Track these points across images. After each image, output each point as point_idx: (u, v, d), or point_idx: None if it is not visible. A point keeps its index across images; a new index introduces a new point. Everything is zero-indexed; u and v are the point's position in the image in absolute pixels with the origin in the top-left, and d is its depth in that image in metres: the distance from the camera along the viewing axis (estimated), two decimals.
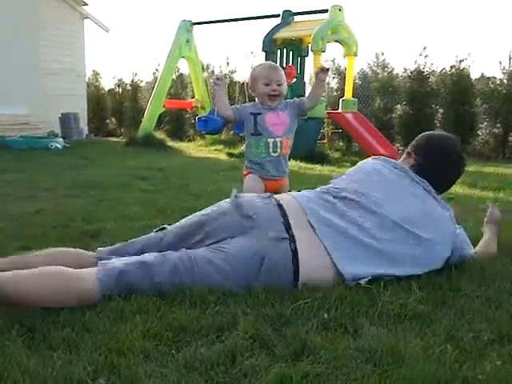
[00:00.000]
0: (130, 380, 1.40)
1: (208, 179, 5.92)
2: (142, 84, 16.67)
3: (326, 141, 10.81)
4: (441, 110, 11.96)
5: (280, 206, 2.26)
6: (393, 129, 12.01)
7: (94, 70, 17.57)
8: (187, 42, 12.04)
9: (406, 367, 1.47)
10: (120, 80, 17.08)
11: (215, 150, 10.73)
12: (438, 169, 2.47)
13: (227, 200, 2.36)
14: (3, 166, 6.75)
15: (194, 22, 12.12)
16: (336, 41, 9.68)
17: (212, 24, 12.45)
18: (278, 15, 10.38)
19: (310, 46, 9.65)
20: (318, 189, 2.46)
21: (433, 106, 11.93)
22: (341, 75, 12.63)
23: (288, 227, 2.15)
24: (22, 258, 2.18)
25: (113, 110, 17.09)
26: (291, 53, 10.51)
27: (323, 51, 9.46)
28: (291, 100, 3.39)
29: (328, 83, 13.29)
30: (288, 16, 10.29)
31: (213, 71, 14.94)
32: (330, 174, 6.95)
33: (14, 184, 5.29)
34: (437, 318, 1.86)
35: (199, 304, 1.92)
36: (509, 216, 3.56)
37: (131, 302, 1.91)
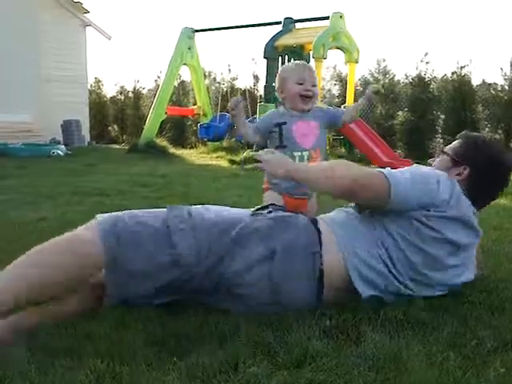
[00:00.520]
0: None
1: (210, 186, 5.92)
2: (144, 91, 16.72)
3: (327, 147, 10.80)
4: (442, 117, 11.96)
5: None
6: (394, 135, 12.01)
7: (96, 78, 17.64)
8: (189, 49, 12.09)
9: (408, 374, 1.46)
10: (122, 87, 17.14)
11: (217, 156, 10.74)
12: (490, 183, 2.20)
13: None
14: (5, 173, 6.76)
15: (195, 29, 12.17)
16: (337, 47, 9.71)
17: (214, 31, 12.50)
18: (280, 22, 10.41)
19: (311, 52, 9.68)
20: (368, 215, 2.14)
21: (434, 112, 11.94)
22: (342, 82, 12.65)
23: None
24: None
25: (115, 117, 17.12)
26: (292, 60, 10.53)
27: (324, 58, 9.49)
28: (325, 107, 2.98)
29: (329, 90, 13.33)
30: (289, 23, 10.33)
31: (214, 78, 14.99)
32: None
33: (16, 191, 5.29)
34: (439, 325, 1.85)
35: (201, 311, 1.92)
36: None
37: (133, 309, 1.91)
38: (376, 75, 12.95)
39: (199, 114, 12.85)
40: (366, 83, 12.87)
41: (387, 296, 2.03)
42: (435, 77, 12.11)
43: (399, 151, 11.49)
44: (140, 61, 36.71)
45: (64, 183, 5.98)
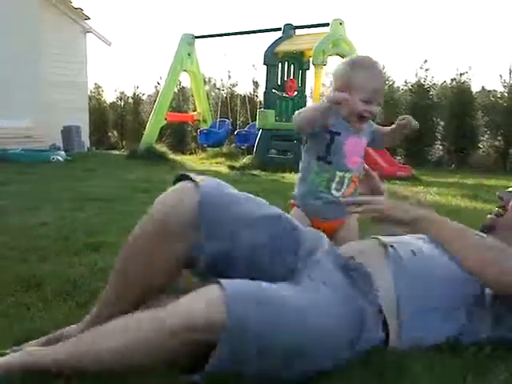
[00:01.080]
0: None
1: None
2: (144, 97, 16.76)
3: None
4: (442, 123, 12.00)
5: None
6: None
7: (96, 83, 17.69)
8: (189, 55, 12.13)
9: (410, 381, 1.46)
10: (122, 93, 17.18)
11: (217, 162, 10.75)
12: None
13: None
14: (5, 179, 6.75)
15: (195, 35, 12.21)
16: (337, 54, 9.72)
17: (214, 37, 12.54)
18: (280, 29, 10.44)
19: (311, 59, 9.71)
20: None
21: (434, 118, 11.97)
22: None
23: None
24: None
25: (114, 123, 17.15)
26: (292, 66, 10.58)
27: (324, 64, 9.52)
28: (372, 124, 2.46)
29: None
30: (289, 29, 10.36)
31: (214, 84, 15.02)
32: None
33: (16, 197, 5.29)
34: None
35: None
36: None
37: None
38: None
39: (199, 120, 12.89)
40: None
41: None
42: (435, 83, 12.16)
43: (399, 157, 11.51)
44: (140, 67, 36.83)
45: (64, 189, 5.98)
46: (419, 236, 1.77)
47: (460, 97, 11.52)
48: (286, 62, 10.50)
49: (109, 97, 17.92)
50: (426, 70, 12.06)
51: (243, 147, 11.56)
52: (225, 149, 12.08)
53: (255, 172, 8.48)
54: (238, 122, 12.55)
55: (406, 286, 1.61)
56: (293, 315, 1.34)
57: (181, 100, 15.11)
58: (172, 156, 11.18)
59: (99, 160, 10.63)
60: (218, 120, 12.23)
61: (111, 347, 1.32)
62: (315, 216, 2.27)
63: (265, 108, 10.26)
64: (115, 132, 17.30)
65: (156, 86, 15.86)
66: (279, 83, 10.42)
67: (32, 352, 1.41)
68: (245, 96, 13.48)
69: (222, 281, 1.33)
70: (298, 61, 10.52)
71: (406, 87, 12.50)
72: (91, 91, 17.00)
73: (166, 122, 12.26)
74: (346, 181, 2.25)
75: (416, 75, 12.13)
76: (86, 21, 14.12)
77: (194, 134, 13.63)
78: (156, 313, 1.35)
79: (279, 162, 9.46)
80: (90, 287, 2.34)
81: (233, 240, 1.54)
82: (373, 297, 1.58)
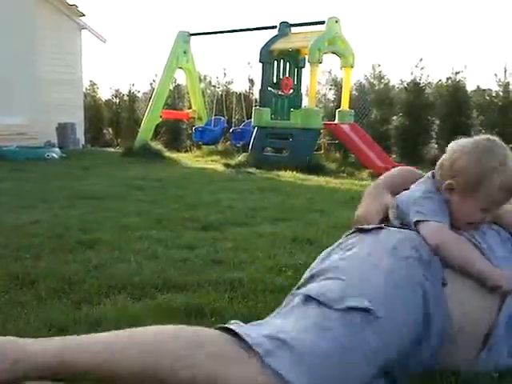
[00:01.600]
0: None
1: (205, 190, 5.91)
2: (139, 95, 16.70)
3: (322, 152, 10.82)
4: (437, 122, 12.01)
5: None
6: (389, 140, 12.04)
7: (91, 81, 17.60)
8: (184, 52, 12.11)
9: None
10: (117, 90, 17.10)
11: (212, 160, 10.74)
12: None
13: None
14: (0, 176, 6.73)
15: (191, 32, 12.18)
16: (333, 52, 9.73)
17: (209, 35, 12.52)
18: (275, 27, 10.42)
19: (306, 57, 9.71)
20: None
21: (429, 117, 11.97)
22: (337, 86, 12.67)
23: None
24: None
25: (110, 120, 17.09)
26: (288, 64, 10.57)
27: (320, 62, 9.53)
28: None
29: (324, 94, 13.35)
30: (285, 27, 10.34)
31: (210, 82, 14.99)
32: (325, 185, 6.97)
33: (10, 194, 5.28)
34: None
35: (194, 315, 1.91)
36: None
37: (126, 312, 1.90)
38: (371, 80, 12.99)
39: (194, 118, 12.87)
40: (361, 88, 12.91)
41: None
42: (430, 82, 12.16)
43: (394, 156, 11.52)
44: (135, 64, 36.65)
45: (59, 186, 5.96)
46: None
47: (455, 96, 11.53)
48: (282, 60, 10.49)
49: (104, 94, 17.86)
50: (422, 68, 12.06)
51: (238, 145, 11.54)
52: (220, 146, 12.06)
53: (251, 170, 8.48)
54: (233, 120, 12.52)
55: None
56: None
57: (176, 97, 15.06)
58: (167, 154, 11.16)
59: (94, 157, 10.61)
60: (213, 118, 12.21)
61: None
62: None
63: (260, 106, 10.25)
64: (110, 129, 17.23)
65: (151, 84, 15.79)
66: (275, 81, 10.41)
67: None
68: (240, 94, 13.45)
69: None
70: (294, 59, 10.51)
71: (401, 86, 12.51)
72: (86, 88, 16.93)
73: (161, 119, 12.24)
74: None
75: (411, 74, 12.13)
76: (81, 17, 14.07)
77: (190, 131, 13.60)
78: None
79: (275, 159, 9.46)
80: (85, 285, 2.34)
81: None
82: None
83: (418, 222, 1.60)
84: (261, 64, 10.27)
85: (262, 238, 3.40)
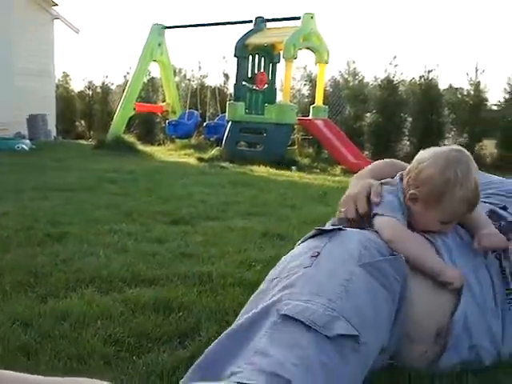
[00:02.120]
0: None
1: (177, 183, 5.88)
2: (113, 87, 16.55)
3: (295, 147, 10.86)
4: (409, 119, 12.13)
5: None
6: (362, 136, 12.12)
7: (63, 72, 17.38)
8: (159, 45, 12.03)
9: None
10: (90, 82, 16.91)
11: (185, 154, 10.69)
12: None
13: None
14: None
15: (166, 25, 12.10)
16: (308, 48, 9.76)
17: (184, 28, 12.44)
18: (251, 21, 10.41)
19: (281, 52, 9.71)
20: None
21: (402, 114, 12.09)
22: (312, 82, 12.71)
23: None
24: None
25: (82, 112, 16.89)
26: (263, 59, 10.56)
27: (295, 58, 9.55)
28: None
29: (299, 90, 13.39)
30: (260, 22, 10.33)
31: (184, 75, 14.92)
32: (298, 180, 7.00)
33: None
34: None
35: (162, 309, 1.90)
36: None
37: (93, 306, 1.89)
38: (346, 76, 13.05)
39: (168, 111, 12.80)
40: (335, 84, 12.97)
41: None
42: (403, 80, 12.27)
43: (366, 152, 11.61)
44: (109, 56, 36.33)
45: (29, 178, 5.88)
46: None
47: (428, 94, 11.66)
48: (257, 55, 10.48)
49: (77, 86, 17.66)
50: (395, 66, 12.16)
51: (212, 139, 11.52)
52: (193, 140, 12.03)
53: (224, 164, 8.46)
54: (207, 114, 12.48)
55: None
56: None
57: (150, 90, 14.96)
58: (140, 147, 11.08)
59: (66, 149, 10.48)
60: (187, 111, 12.15)
61: None
62: None
63: (235, 100, 10.23)
64: (83, 121, 17.04)
65: (125, 76, 15.63)
66: (249, 76, 10.40)
67: None
68: (215, 88, 13.42)
69: None
70: (269, 54, 10.51)
71: (375, 83, 12.60)
72: (59, 80, 16.72)
73: (134, 112, 12.14)
74: None
75: (385, 71, 12.22)
76: (54, 7, 13.86)
77: (163, 124, 13.51)
78: None
79: (248, 154, 9.46)
80: (52, 278, 2.31)
81: None
82: None
83: (375, 215, 1.62)
84: (236, 58, 10.25)
85: (233, 233, 3.40)
